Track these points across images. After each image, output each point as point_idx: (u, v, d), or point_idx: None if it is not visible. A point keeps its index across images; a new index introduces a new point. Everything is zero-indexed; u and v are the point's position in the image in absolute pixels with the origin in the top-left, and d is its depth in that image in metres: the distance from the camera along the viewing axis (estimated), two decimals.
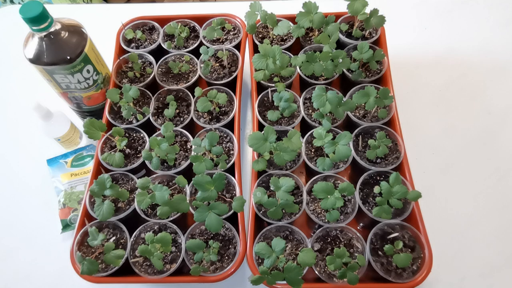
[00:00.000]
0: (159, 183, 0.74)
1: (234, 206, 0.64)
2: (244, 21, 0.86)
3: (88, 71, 0.77)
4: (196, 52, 0.88)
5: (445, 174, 0.84)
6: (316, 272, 0.66)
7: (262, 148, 0.66)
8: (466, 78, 0.97)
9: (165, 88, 0.84)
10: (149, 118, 0.81)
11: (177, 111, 0.82)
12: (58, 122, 0.83)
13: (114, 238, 0.70)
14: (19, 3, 1.58)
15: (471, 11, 1.08)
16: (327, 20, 0.80)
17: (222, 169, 0.74)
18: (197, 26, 0.93)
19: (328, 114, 0.77)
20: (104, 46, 0.85)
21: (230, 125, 0.80)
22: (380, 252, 0.67)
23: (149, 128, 0.82)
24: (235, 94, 0.82)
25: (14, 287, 0.78)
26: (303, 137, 0.76)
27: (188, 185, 0.73)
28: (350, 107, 0.72)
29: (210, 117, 0.82)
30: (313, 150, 0.76)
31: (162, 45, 0.89)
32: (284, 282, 0.61)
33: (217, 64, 0.87)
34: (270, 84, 0.81)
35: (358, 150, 0.75)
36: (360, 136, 0.76)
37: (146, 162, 0.75)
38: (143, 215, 0.71)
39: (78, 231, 0.70)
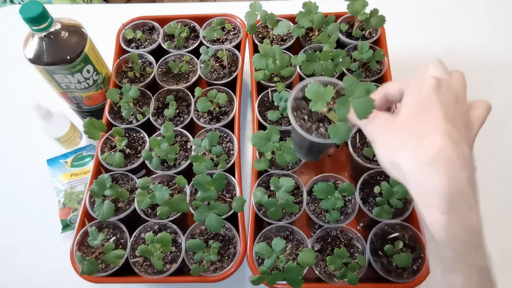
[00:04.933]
0: (159, 183, 0.74)
1: (234, 206, 0.64)
2: (244, 21, 0.85)
3: (88, 71, 0.77)
4: (196, 52, 0.88)
5: None
6: (317, 272, 0.66)
7: (265, 147, 0.65)
8: (466, 78, 0.96)
9: (165, 88, 0.84)
10: (149, 118, 0.81)
11: (177, 111, 0.82)
12: (58, 122, 0.83)
13: (114, 238, 0.70)
14: (19, 3, 1.58)
15: (471, 11, 1.07)
16: (327, 20, 0.80)
17: (222, 169, 0.74)
18: (197, 26, 0.93)
19: None
20: (104, 46, 0.85)
21: (230, 125, 0.80)
22: (380, 252, 0.67)
23: (149, 128, 0.81)
24: (235, 94, 0.82)
25: (14, 287, 0.78)
26: None
27: (188, 185, 0.73)
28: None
29: (210, 117, 0.82)
30: None
31: (162, 45, 0.89)
32: (284, 282, 0.61)
33: (217, 64, 0.87)
34: (270, 84, 0.81)
35: (356, 147, 0.75)
36: (357, 134, 0.76)
37: (146, 162, 0.75)
38: (143, 215, 0.71)
39: (78, 231, 0.70)
